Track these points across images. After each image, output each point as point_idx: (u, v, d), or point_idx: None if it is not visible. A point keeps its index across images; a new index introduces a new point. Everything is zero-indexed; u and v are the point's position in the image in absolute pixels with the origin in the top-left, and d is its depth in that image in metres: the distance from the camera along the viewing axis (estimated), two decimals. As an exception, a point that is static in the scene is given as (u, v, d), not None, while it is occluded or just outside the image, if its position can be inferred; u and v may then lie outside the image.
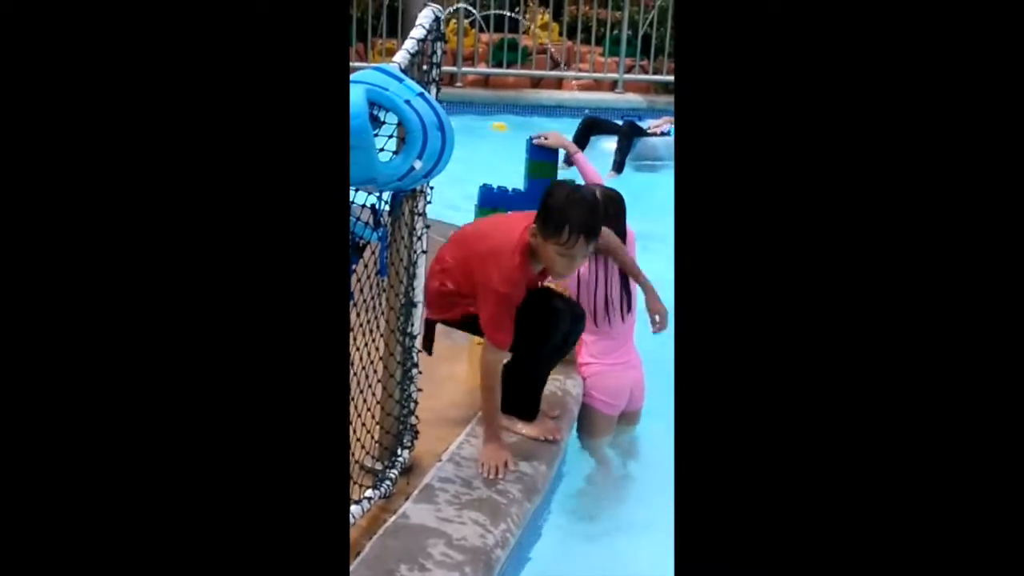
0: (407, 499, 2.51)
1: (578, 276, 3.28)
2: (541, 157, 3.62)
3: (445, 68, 2.76)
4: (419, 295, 2.61)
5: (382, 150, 2.14)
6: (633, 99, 9.37)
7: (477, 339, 3.01)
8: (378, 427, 2.57)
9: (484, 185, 3.61)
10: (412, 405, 2.64)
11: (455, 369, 3.33)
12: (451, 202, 4.23)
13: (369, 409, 2.48)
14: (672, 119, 7.24)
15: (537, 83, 9.72)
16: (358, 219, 2.22)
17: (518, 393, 2.96)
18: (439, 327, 3.01)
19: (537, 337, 2.86)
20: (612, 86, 9.68)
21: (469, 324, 2.91)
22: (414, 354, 2.62)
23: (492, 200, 3.55)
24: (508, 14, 9.84)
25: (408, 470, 2.63)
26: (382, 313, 2.53)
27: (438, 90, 2.46)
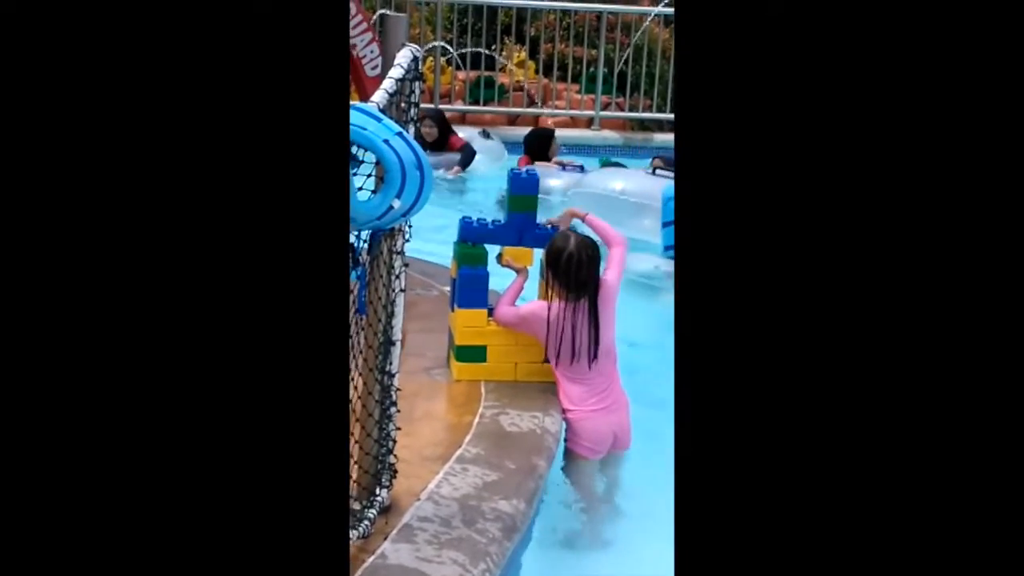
0: (386, 539, 2.49)
1: (548, 316, 3.29)
2: (522, 191, 3.61)
3: (423, 106, 2.78)
4: (397, 333, 2.60)
5: (360, 189, 2.14)
6: (609, 136, 9.46)
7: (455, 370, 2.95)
8: (356, 466, 2.55)
9: (464, 218, 3.60)
10: (391, 444, 2.62)
11: (434, 407, 3.31)
12: (430, 238, 4.23)
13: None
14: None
15: (514, 120, 9.77)
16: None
17: None
18: (412, 368, 3.02)
19: None
20: (588, 123, 9.75)
21: None
22: (393, 392, 2.61)
23: (472, 234, 3.55)
24: (485, 52, 9.91)
25: (387, 509, 2.60)
26: (360, 351, 2.52)
27: (416, 129, 2.47)
